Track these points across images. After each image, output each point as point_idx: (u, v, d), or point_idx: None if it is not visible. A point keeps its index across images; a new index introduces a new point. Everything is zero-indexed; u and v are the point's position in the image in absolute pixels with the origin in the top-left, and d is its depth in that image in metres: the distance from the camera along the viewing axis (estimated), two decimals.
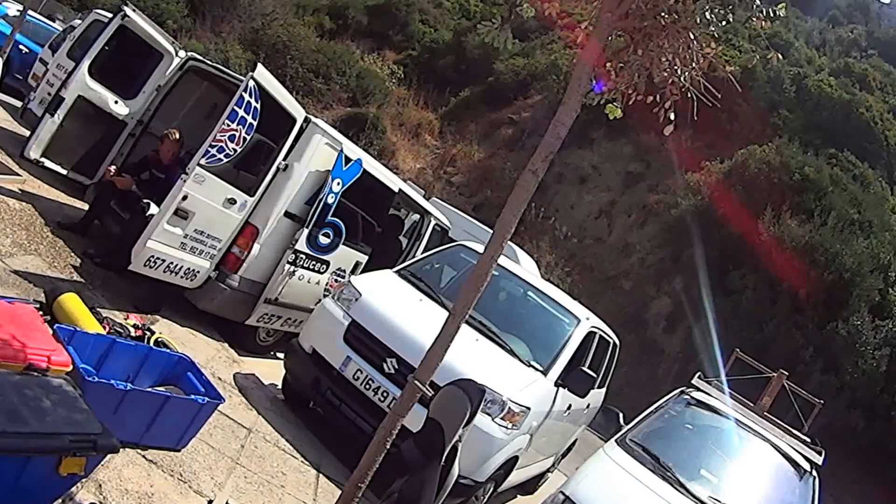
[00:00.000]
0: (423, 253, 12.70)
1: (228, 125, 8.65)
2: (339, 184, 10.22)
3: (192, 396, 6.53)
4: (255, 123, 9.04)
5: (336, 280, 11.10)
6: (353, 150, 10.66)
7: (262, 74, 9.00)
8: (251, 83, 8.76)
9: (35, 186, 11.54)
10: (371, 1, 50.26)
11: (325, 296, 10.54)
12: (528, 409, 8.63)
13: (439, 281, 10.88)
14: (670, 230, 30.12)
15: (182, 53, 11.80)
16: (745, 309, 25.23)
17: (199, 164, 8.62)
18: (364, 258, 11.66)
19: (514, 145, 37.24)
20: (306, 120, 10.00)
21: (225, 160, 8.93)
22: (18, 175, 11.40)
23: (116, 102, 11.39)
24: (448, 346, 5.32)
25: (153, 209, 9.51)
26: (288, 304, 10.68)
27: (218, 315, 10.28)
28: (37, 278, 8.48)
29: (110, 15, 11.43)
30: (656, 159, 33.97)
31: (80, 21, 17.10)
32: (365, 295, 9.24)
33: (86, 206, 11.40)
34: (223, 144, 8.72)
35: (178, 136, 10.96)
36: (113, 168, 10.71)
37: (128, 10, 10.89)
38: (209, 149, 8.62)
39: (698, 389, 10.30)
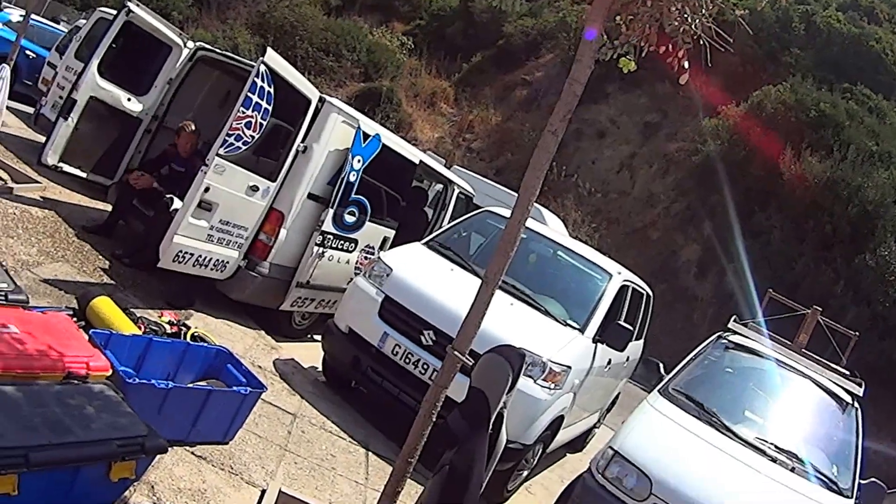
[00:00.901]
0: (449, 222, 12.69)
1: (244, 112, 8.58)
2: (359, 161, 10.18)
3: (235, 388, 6.50)
4: (270, 108, 8.96)
5: (366, 257, 11.09)
6: (370, 126, 10.63)
7: (273, 58, 8.91)
8: (262, 68, 8.67)
9: (56, 192, 11.54)
10: None
11: (356, 274, 10.51)
12: (569, 367, 8.66)
13: (468, 249, 10.85)
14: (692, 177, 30.07)
15: (190, 44, 11.70)
16: (774, 249, 25.20)
17: (218, 155, 8.55)
18: (391, 233, 11.66)
19: (530, 106, 37.11)
20: (321, 100, 9.91)
21: (243, 148, 8.87)
22: (38, 182, 11.40)
23: (129, 100, 11.29)
24: (483, 313, 5.25)
25: (177, 204, 9.45)
26: (320, 286, 10.67)
27: (251, 303, 10.28)
28: (67, 285, 8.46)
29: (115, 12, 11.34)
30: (673, 108, 33.81)
31: (84, 21, 17.09)
32: (396, 270, 9.23)
33: (109, 208, 11.38)
34: (240, 132, 8.65)
35: (193, 127, 10.90)
36: (135, 173, 10.71)
37: (132, 6, 10.77)
38: (227, 138, 8.55)
39: (735, 333, 10.28)
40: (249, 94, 8.56)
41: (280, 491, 6.23)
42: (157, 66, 11.63)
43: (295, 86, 9.45)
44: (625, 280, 10.58)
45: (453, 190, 13.40)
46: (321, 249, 10.26)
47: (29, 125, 15.19)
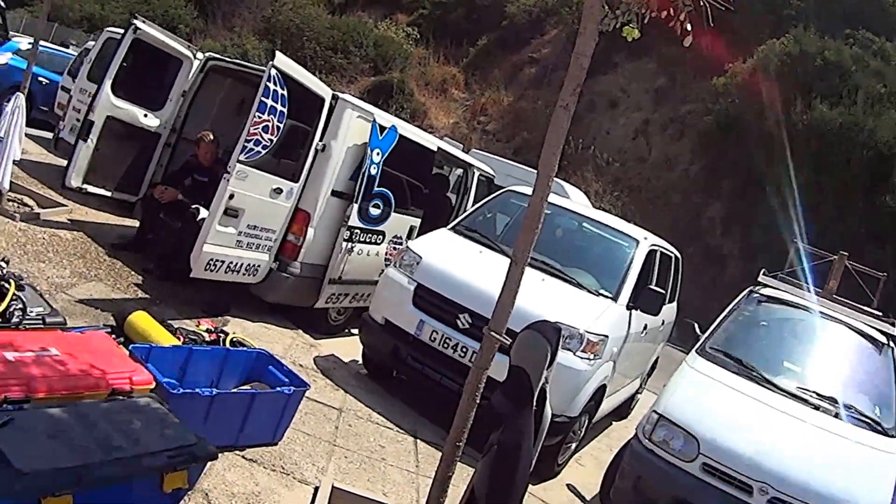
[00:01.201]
0: (472, 206, 12.66)
1: (259, 117, 8.60)
2: (378, 154, 10.21)
3: (278, 388, 6.55)
4: (285, 110, 8.98)
5: (394, 248, 11.17)
6: (385, 118, 10.65)
7: (282, 61, 8.94)
8: (273, 71, 8.68)
9: (83, 213, 11.65)
10: None
11: (385, 265, 10.62)
12: (606, 336, 8.69)
13: (495, 230, 10.89)
14: (707, 137, 30.23)
15: (200, 55, 11.76)
16: (795, 200, 25.11)
17: (238, 161, 8.57)
18: (417, 221, 11.72)
19: (540, 83, 37.21)
20: (334, 97, 9.95)
21: (263, 152, 8.89)
22: (64, 206, 11.51)
23: (146, 116, 11.32)
24: (516, 292, 5.28)
25: (203, 213, 9.52)
26: (352, 281, 10.71)
27: (286, 304, 10.34)
28: (102, 303, 8.52)
29: (122, 31, 11.38)
30: (681, 71, 33.77)
31: (93, 43, 17.13)
32: (425, 257, 9.26)
33: (136, 224, 11.49)
34: (258, 137, 8.68)
35: (212, 136, 11.01)
36: (159, 187, 10.81)
37: (138, 23, 10.82)
38: (245, 143, 8.57)
39: (766, 286, 10.31)
40: (263, 99, 8.59)
41: (333, 486, 6.26)
42: (169, 80, 11.66)
43: (307, 86, 9.48)
44: (652, 245, 10.58)
45: (473, 173, 13.46)
46: (350, 244, 10.29)
47: (49, 150, 15.28)
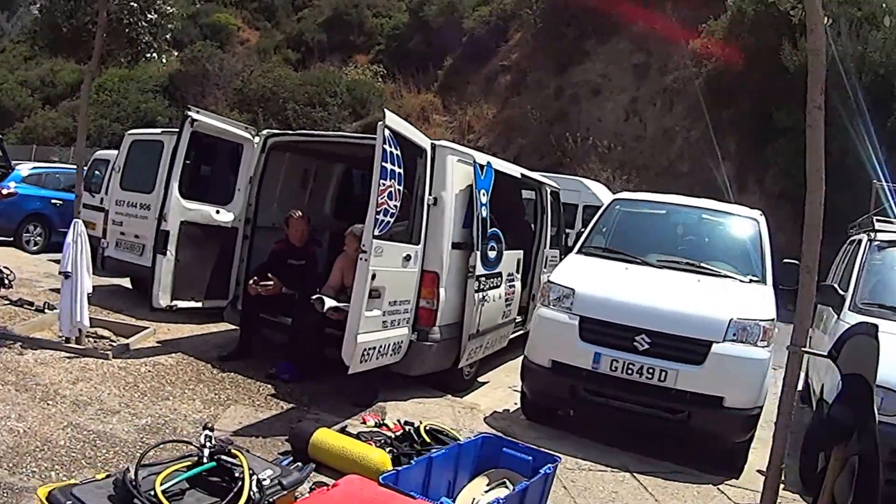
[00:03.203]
0: (551, 224, 13.09)
1: (384, 184, 7.89)
2: (484, 194, 9.74)
3: (542, 471, 5.96)
4: (402, 172, 8.36)
5: (510, 286, 10.93)
6: (480, 157, 10.22)
7: (393, 119, 8.25)
8: (387, 132, 7.95)
9: (165, 331, 11.16)
10: (320, 18, 50.45)
11: (506, 305, 10.80)
12: (773, 319, 8.68)
13: (623, 243, 10.47)
14: (699, 101, 30.17)
15: (257, 140, 11.00)
16: (803, 141, 25.01)
17: (374, 237, 7.84)
18: (521, 253, 11.48)
19: (519, 88, 37.49)
20: (432, 146, 9.39)
21: (392, 221, 8.24)
22: (146, 328, 10.86)
23: (218, 212, 10.62)
24: (812, 300, 5.39)
25: (329, 302, 8.86)
26: (485, 331, 10.25)
27: (429, 373, 9.80)
28: (259, 428, 7.81)
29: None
30: (655, 43, 34.06)
31: (106, 152, 16.68)
32: (579, 288, 8.89)
33: (226, 327, 11.14)
34: (386, 206, 7.99)
35: (300, 213, 10.54)
36: (252, 283, 10.11)
37: (193, 114, 10.09)
38: (376, 216, 7.83)
39: (880, 231, 10.12)
40: (384, 164, 7.85)
41: None
42: (233, 169, 11.03)
43: (412, 140, 8.84)
44: (764, 220, 10.63)
45: (546, 191, 13.13)
46: (481, 294, 9.82)
47: (94, 273, 14.66)
